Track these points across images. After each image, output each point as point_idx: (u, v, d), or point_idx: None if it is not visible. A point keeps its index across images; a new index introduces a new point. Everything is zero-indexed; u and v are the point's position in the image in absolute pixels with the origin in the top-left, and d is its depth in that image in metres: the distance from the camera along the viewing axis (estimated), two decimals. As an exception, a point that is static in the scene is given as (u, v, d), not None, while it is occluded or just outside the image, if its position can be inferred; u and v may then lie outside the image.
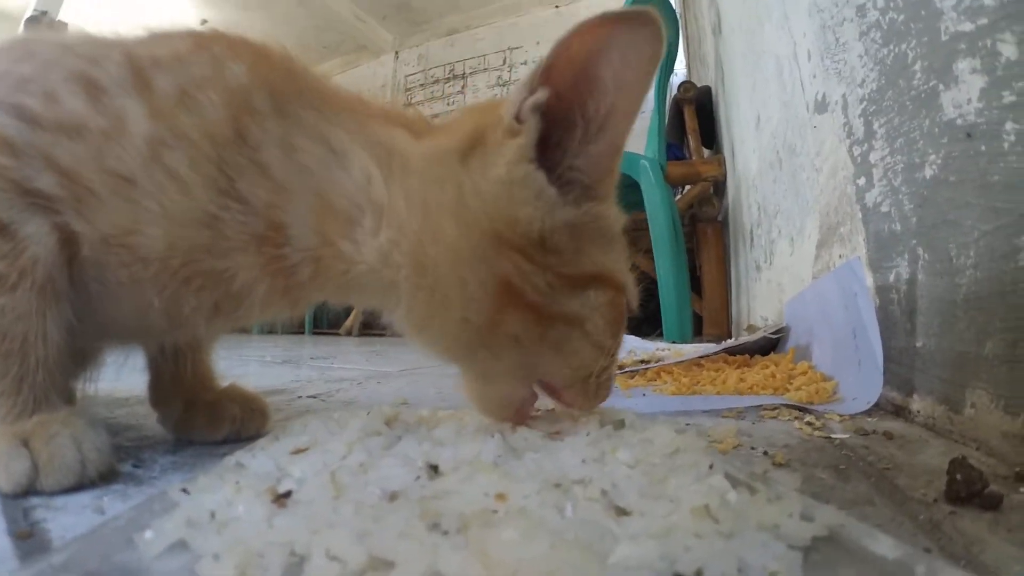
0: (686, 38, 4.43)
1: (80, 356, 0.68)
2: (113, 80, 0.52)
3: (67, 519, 0.45)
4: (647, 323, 4.29)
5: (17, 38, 0.59)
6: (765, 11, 1.71)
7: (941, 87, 0.70)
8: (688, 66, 4.56)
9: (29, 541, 0.41)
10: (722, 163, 3.02)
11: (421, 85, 6.79)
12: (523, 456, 0.48)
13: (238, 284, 0.55)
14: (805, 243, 1.39)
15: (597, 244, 0.54)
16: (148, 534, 0.37)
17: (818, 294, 1.15)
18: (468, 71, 6.55)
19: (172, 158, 0.51)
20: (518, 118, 0.50)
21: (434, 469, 0.45)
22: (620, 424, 0.58)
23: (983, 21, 0.62)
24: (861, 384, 0.85)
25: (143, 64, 0.53)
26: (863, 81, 0.95)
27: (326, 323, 6.08)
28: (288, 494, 0.41)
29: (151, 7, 5.55)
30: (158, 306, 0.56)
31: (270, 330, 5.80)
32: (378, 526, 0.35)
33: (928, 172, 0.75)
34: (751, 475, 0.45)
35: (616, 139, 0.53)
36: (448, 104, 6.55)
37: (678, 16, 3.31)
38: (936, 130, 0.72)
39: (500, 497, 0.39)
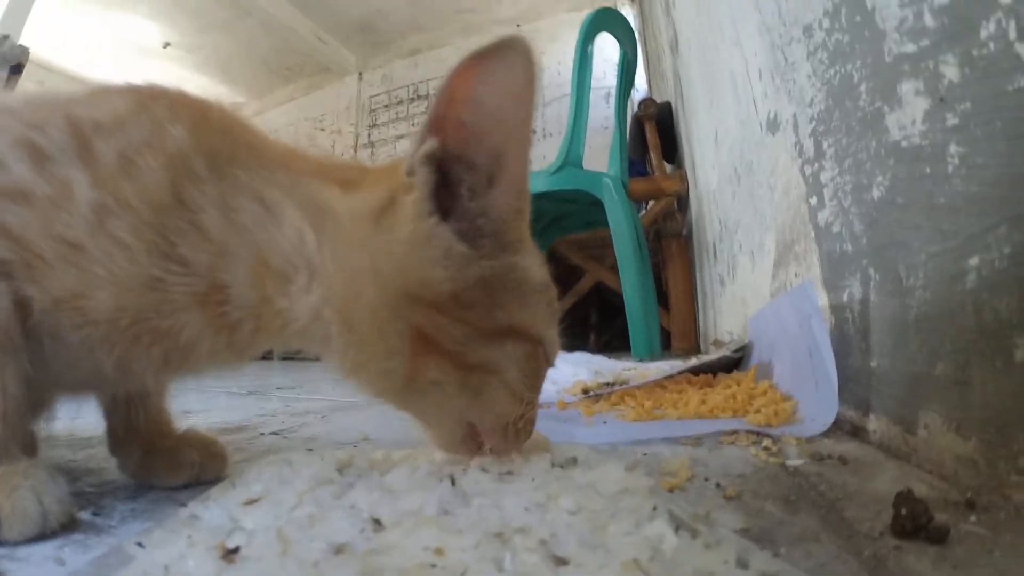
0: (646, 55, 4.47)
1: (37, 405, 0.68)
2: (56, 146, 0.52)
3: (30, 570, 0.46)
4: (616, 338, 4.30)
5: None
6: (719, 29, 1.72)
7: (886, 108, 0.70)
8: (649, 82, 4.60)
9: None
10: (684, 178, 3.04)
11: (385, 106, 6.78)
12: (471, 502, 0.47)
13: (184, 339, 0.56)
14: (765, 259, 1.39)
15: (513, 297, 0.55)
16: None
17: (776, 313, 1.15)
18: (432, 91, 6.46)
19: (115, 225, 0.52)
20: (411, 172, 0.51)
21: (378, 523, 0.44)
22: (572, 462, 0.57)
23: (925, 43, 0.62)
24: (818, 405, 0.85)
25: (85, 129, 0.53)
26: (812, 101, 0.95)
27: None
28: (236, 550, 0.41)
29: (114, 29, 5.53)
30: (109, 363, 0.57)
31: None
32: None
33: (876, 193, 0.75)
34: (694, 516, 0.44)
35: (514, 179, 0.52)
36: (412, 124, 6.55)
37: (636, 33, 3.33)
38: (882, 151, 0.72)
39: (438, 552, 0.39)
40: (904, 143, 0.67)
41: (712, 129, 2.08)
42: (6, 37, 3.89)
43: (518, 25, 6.07)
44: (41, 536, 0.52)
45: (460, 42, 6.33)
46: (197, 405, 1.44)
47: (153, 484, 0.71)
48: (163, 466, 0.71)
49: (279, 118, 7.00)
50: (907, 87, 0.66)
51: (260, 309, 0.55)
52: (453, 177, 0.52)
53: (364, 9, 5.90)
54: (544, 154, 5.60)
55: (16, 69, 3.21)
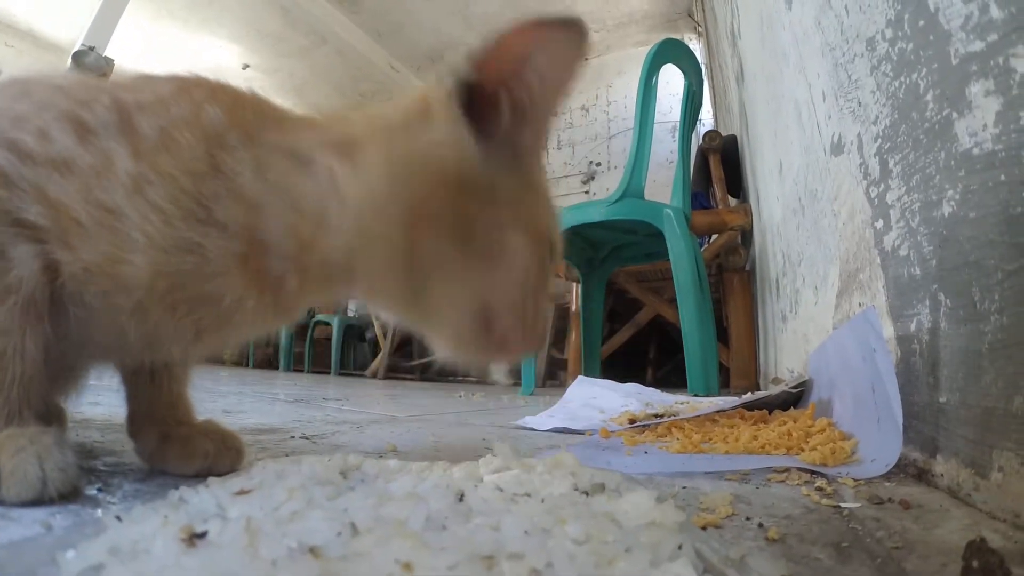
0: (711, 87, 4.43)
1: (61, 374, 0.70)
2: (100, 122, 0.56)
3: (15, 530, 0.47)
4: (674, 374, 4.21)
5: (14, 78, 0.63)
6: (783, 55, 1.67)
7: (955, 115, 0.64)
8: (714, 115, 4.56)
9: None
10: (748, 212, 2.96)
11: None
12: (471, 519, 0.45)
13: (227, 303, 0.58)
14: (828, 292, 1.32)
15: (528, 204, 0.60)
16: (70, 554, 0.39)
17: (837, 346, 1.08)
18: None
19: (153, 192, 0.55)
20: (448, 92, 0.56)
21: (354, 527, 0.42)
22: (598, 488, 0.53)
23: (993, 37, 0.57)
24: (880, 444, 0.78)
25: (128, 108, 0.57)
26: (876, 118, 0.89)
27: (353, 364, 6.08)
28: (203, 535, 0.41)
29: (196, 49, 5.77)
30: (136, 332, 0.59)
31: (297, 368, 5.87)
32: None
33: (946, 209, 0.68)
34: (725, 559, 0.39)
35: (539, 124, 0.59)
36: None
37: (703, 66, 3.28)
38: (952, 163, 0.66)
39: (407, 567, 0.36)
40: (976, 150, 0.61)
41: (776, 160, 2.02)
42: (92, 48, 4.08)
43: (586, 58, 6.08)
44: (39, 501, 0.53)
45: (527, 74, 6.38)
46: (238, 407, 1.44)
47: (166, 471, 0.72)
48: (177, 453, 0.72)
49: (349, 142, 7.21)
50: (976, 88, 0.60)
51: (301, 256, 0.58)
52: (492, 101, 0.57)
53: (435, 40, 6.06)
54: (608, 186, 5.63)
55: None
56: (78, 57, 3.94)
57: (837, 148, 1.13)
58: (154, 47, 5.67)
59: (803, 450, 0.88)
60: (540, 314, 0.61)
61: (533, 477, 0.55)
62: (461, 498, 0.50)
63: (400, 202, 0.55)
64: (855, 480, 0.74)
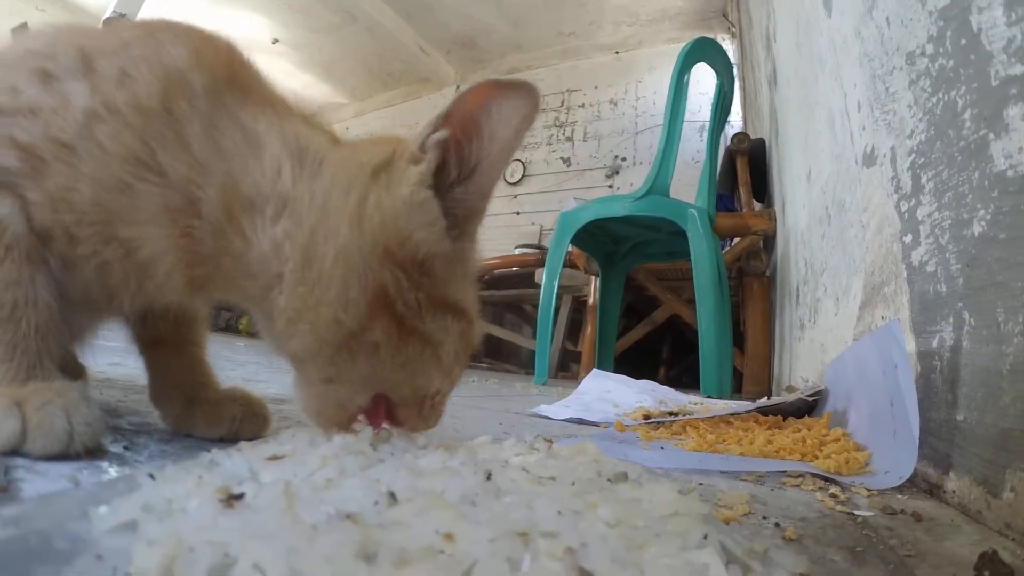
0: (742, 89, 4.40)
1: (74, 328, 0.72)
2: (63, 68, 0.58)
3: (43, 483, 0.47)
4: (686, 374, 4.21)
5: None
6: (819, 62, 1.66)
7: (991, 136, 0.65)
8: (744, 117, 4.53)
9: (2, 494, 0.43)
10: (772, 217, 2.95)
11: None
12: (502, 498, 0.44)
13: (145, 254, 0.59)
14: (850, 304, 1.33)
15: (460, 278, 0.62)
16: (102, 509, 0.38)
17: (857, 357, 1.08)
18: None
19: (99, 129, 0.56)
20: (422, 149, 0.58)
21: (392, 496, 0.42)
22: (622, 477, 0.53)
23: (1036, 63, 0.57)
24: (895, 457, 0.79)
25: (91, 53, 0.59)
26: (912, 132, 0.89)
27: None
28: (240, 496, 0.41)
29: (226, 20, 5.79)
30: (93, 278, 0.61)
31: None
32: (309, 545, 0.34)
33: (977, 229, 0.69)
34: (750, 552, 0.40)
35: (486, 184, 0.60)
36: None
37: (734, 66, 3.27)
38: (986, 183, 0.66)
39: (448, 538, 0.36)
40: (1010, 172, 0.62)
41: (805, 167, 2.01)
42: (123, 15, 4.10)
43: (616, 53, 6.10)
44: (64, 455, 0.53)
45: (558, 64, 6.43)
46: (257, 376, 1.45)
47: (192, 434, 0.73)
48: (203, 417, 0.73)
49: (375, 121, 7.21)
50: (1014, 111, 0.61)
51: (224, 229, 0.58)
52: (447, 165, 0.59)
53: (468, 25, 6.04)
54: (632, 181, 5.61)
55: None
56: (108, 24, 3.96)
57: (869, 159, 1.13)
58: (185, 17, 5.66)
59: (817, 457, 0.89)
60: (441, 403, 0.64)
61: (558, 462, 0.56)
62: (489, 477, 0.49)
63: (358, 254, 0.56)
64: (868, 490, 0.75)
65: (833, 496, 0.71)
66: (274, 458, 0.51)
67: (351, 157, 0.60)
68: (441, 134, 0.57)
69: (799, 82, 2.13)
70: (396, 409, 0.61)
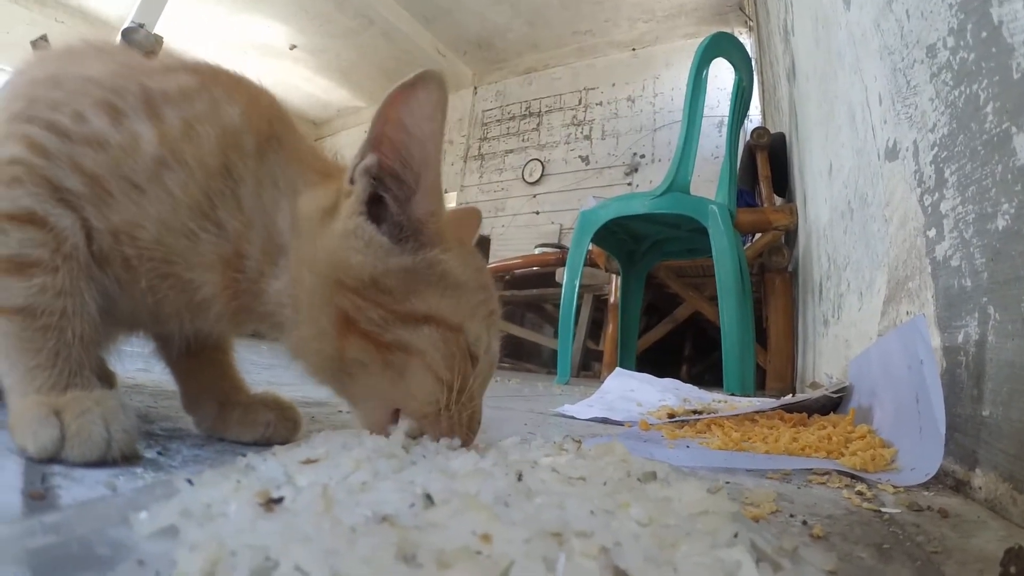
0: (761, 83, 4.37)
1: (105, 337, 0.74)
2: (131, 108, 0.62)
3: (80, 490, 0.47)
4: (708, 372, 4.19)
5: (46, 72, 0.68)
6: (838, 56, 1.65)
7: (1014, 129, 0.64)
8: (763, 112, 4.50)
9: (39, 502, 0.44)
10: (794, 212, 2.94)
11: (498, 120, 6.95)
12: (533, 499, 0.45)
13: (200, 297, 0.64)
14: (874, 299, 1.32)
15: (433, 287, 0.64)
16: (143, 515, 0.39)
17: (882, 353, 1.08)
18: (544, 109, 6.69)
19: (169, 178, 0.61)
20: (351, 180, 0.62)
21: (429, 499, 0.43)
22: (650, 476, 0.54)
23: (1059, 55, 0.56)
24: (920, 454, 0.78)
25: (155, 97, 0.63)
26: (934, 126, 0.88)
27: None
28: (280, 500, 0.41)
29: (244, 28, 5.84)
30: (148, 302, 0.64)
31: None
32: (349, 547, 0.34)
33: (1001, 223, 0.68)
34: (779, 549, 0.40)
35: (429, 187, 0.63)
36: (523, 140, 6.69)
37: (752, 61, 3.25)
38: (1009, 176, 0.66)
39: (485, 539, 0.36)
40: (1034, 166, 0.61)
41: (826, 161, 2.00)
42: (141, 25, 4.15)
43: (633, 49, 6.09)
44: (102, 462, 0.54)
45: (575, 62, 6.44)
46: (282, 379, 1.46)
47: (225, 438, 0.75)
48: (237, 421, 0.75)
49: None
50: (1040, 105, 0.60)
51: (258, 282, 0.64)
52: (384, 186, 0.62)
53: (483, 27, 6.06)
54: (651, 178, 5.60)
55: (149, 56, 3.45)
56: (127, 34, 3.98)
57: (892, 153, 1.12)
58: (204, 25, 5.74)
59: (843, 455, 0.89)
60: (470, 416, 0.65)
61: (587, 462, 0.57)
62: (520, 478, 0.50)
63: (319, 292, 0.61)
64: (895, 487, 0.74)
65: (860, 493, 0.71)
66: (308, 462, 0.52)
67: (313, 204, 0.64)
68: (367, 161, 0.61)
69: (818, 76, 2.11)
70: (421, 423, 0.63)
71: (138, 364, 0.88)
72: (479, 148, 7.05)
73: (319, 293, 0.60)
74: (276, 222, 0.64)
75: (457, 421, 0.63)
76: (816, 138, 2.25)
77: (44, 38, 4.23)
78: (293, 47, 6.30)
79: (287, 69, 6.53)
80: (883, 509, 0.64)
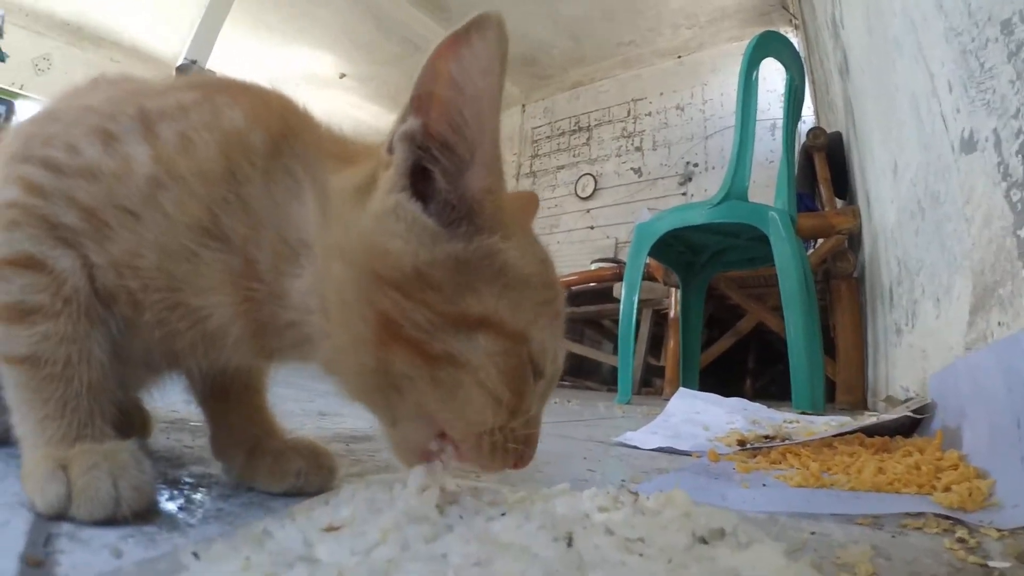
0: (812, 82, 4.24)
1: (134, 377, 0.70)
2: (124, 130, 0.58)
3: (83, 555, 0.44)
4: (773, 384, 4.04)
5: (45, 108, 0.67)
6: (895, 44, 1.55)
7: None
8: (816, 112, 4.37)
9: (36, 569, 0.41)
10: (857, 214, 2.81)
11: (548, 137, 6.99)
12: (587, 572, 0.40)
13: (214, 323, 0.58)
14: (954, 305, 1.21)
15: (490, 284, 0.53)
16: None
17: (973, 369, 0.97)
18: (593, 123, 6.71)
19: (164, 197, 0.56)
20: (390, 148, 0.52)
21: None
22: (718, 534, 0.47)
23: None
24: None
25: (151, 116, 0.58)
26: (1018, 111, 0.78)
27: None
28: None
29: (294, 59, 6.02)
30: (156, 341, 0.60)
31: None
32: None
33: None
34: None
35: (487, 159, 0.53)
36: (573, 155, 6.72)
37: (803, 59, 3.14)
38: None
39: None
40: None
41: (889, 159, 1.89)
42: (194, 62, 4.27)
43: (679, 56, 6.04)
44: (111, 521, 0.51)
45: (621, 74, 6.46)
46: (334, 409, 1.42)
47: (255, 487, 0.70)
48: (266, 469, 0.70)
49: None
50: None
51: (276, 286, 0.56)
52: (431, 157, 0.52)
53: (528, 44, 6.11)
54: (706, 187, 5.51)
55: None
56: (181, 70, 4.09)
57: (968, 145, 1.02)
58: (254, 58, 5.92)
59: (935, 488, 0.80)
60: (522, 441, 0.56)
61: (646, 519, 0.50)
62: (570, 542, 0.45)
63: (352, 288, 0.52)
64: (998, 530, 0.65)
65: (961, 541, 0.62)
66: (331, 529, 0.48)
67: (345, 183, 0.55)
68: (409, 125, 0.51)
69: (874, 69, 2.01)
70: (460, 448, 0.55)
71: (185, 395, 0.85)
72: (531, 166, 7.04)
73: (353, 290, 0.52)
74: (291, 216, 0.56)
75: (505, 446, 0.55)
76: (876, 135, 2.14)
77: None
78: (342, 76, 6.42)
79: (337, 98, 6.63)
80: (991, 564, 0.55)
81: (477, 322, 0.52)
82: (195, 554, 0.42)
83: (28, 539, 0.46)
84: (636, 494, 0.57)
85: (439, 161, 0.52)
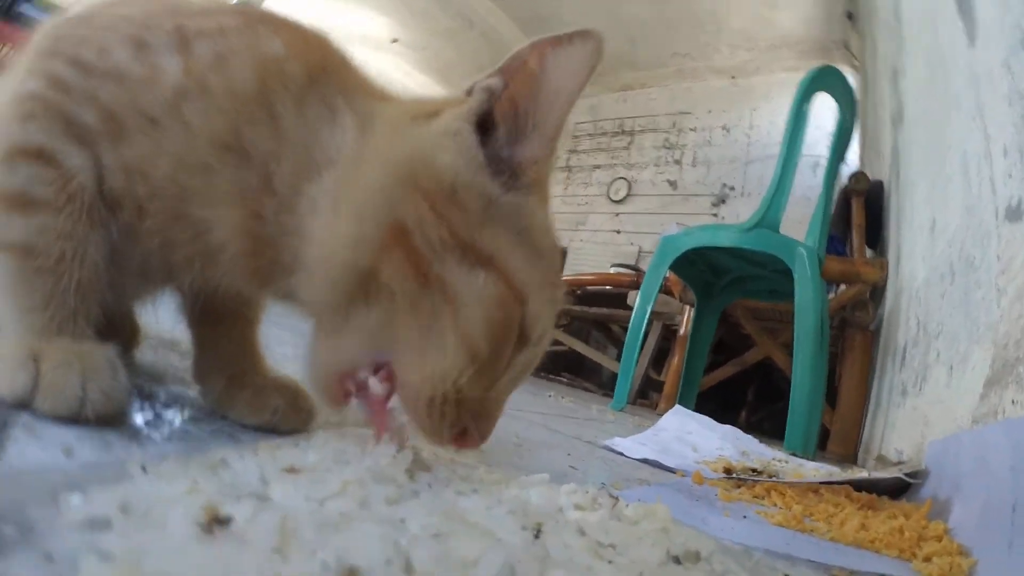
0: (862, 127, 4.18)
1: (126, 288, 0.71)
2: (158, 41, 0.58)
3: (33, 448, 0.44)
4: (768, 421, 4.01)
5: (81, 11, 0.65)
6: (954, 100, 1.51)
7: None
8: (861, 157, 4.31)
9: None
10: (885, 267, 2.77)
11: (589, 135, 6.94)
12: (549, 571, 0.38)
13: (213, 237, 0.59)
14: (968, 375, 1.18)
15: (508, 234, 0.56)
16: (75, 499, 0.34)
17: (978, 443, 0.95)
18: (636, 128, 6.65)
19: (189, 109, 0.57)
20: (469, 92, 0.58)
21: (409, 565, 0.35)
22: (693, 556, 0.47)
23: None
24: (1006, 571, 0.68)
25: (188, 34, 0.59)
26: (1075, 187, 0.75)
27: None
28: (227, 522, 0.35)
29: (347, 20, 6.03)
30: (156, 247, 0.61)
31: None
32: None
33: None
34: None
35: (547, 136, 0.58)
36: (612, 157, 6.64)
37: (857, 101, 3.09)
38: None
39: None
40: None
41: (929, 216, 1.85)
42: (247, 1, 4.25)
43: (733, 77, 5.97)
44: (74, 419, 0.50)
45: (672, 85, 6.39)
46: None
47: (229, 417, 0.70)
48: (244, 401, 0.70)
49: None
50: None
51: (287, 209, 0.57)
52: (499, 115, 0.57)
53: None
54: (738, 213, 5.46)
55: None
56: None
57: (1014, 213, 0.99)
58: (307, 16, 5.89)
59: (915, 556, 0.79)
60: (482, 414, 0.56)
61: (622, 526, 0.49)
62: (538, 534, 0.43)
63: (379, 186, 0.54)
64: (976, 613, 0.62)
65: (936, 614, 0.59)
66: (291, 470, 0.47)
67: (406, 110, 0.60)
68: (493, 81, 0.57)
69: (928, 122, 1.97)
70: (405, 401, 0.55)
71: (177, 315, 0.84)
72: (567, 160, 6.98)
73: (381, 193, 0.54)
74: (321, 137, 0.59)
75: (450, 413, 0.54)
76: (920, 189, 2.10)
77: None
78: (394, 40, 6.40)
79: (387, 62, 6.60)
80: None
81: (486, 259, 0.54)
82: (143, 467, 0.41)
83: (-13, 421, 0.45)
84: (616, 498, 0.57)
85: (504, 121, 0.57)
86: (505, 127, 0.57)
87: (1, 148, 0.58)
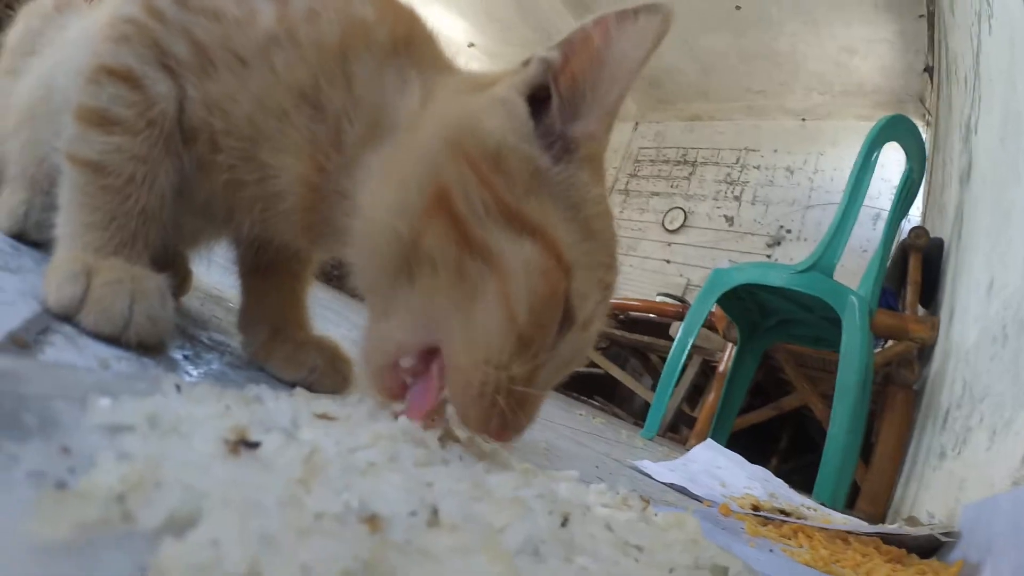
0: (928, 183, 4.10)
1: (185, 229, 0.74)
2: None
3: (70, 354, 0.44)
4: (798, 473, 3.93)
5: None
6: (1025, 160, 1.47)
7: None
8: (923, 213, 4.23)
9: (20, 349, 0.42)
10: (936, 327, 2.69)
11: (651, 161, 6.93)
12: (573, 557, 0.36)
13: (277, 184, 0.61)
14: (1011, 439, 1.15)
15: (557, 207, 0.55)
16: (103, 401, 0.34)
17: (1016, 505, 0.92)
18: (700, 160, 6.63)
19: (277, 55, 0.60)
20: (525, 63, 0.58)
21: (435, 514, 0.34)
22: (720, 571, 0.45)
23: None
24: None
25: None
26: None
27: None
28: (255, 446, 0.35)
29: (428, 15, 6.08)
30: (221, 184, 0.63)
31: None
32: (296, 540, 0.26)
33: None
34: None
35: (601, 111, 0.58)
36: (672, 186, 6.59)
37: (925, 155, 3.03)
38: None
39: None
40: None
41: (987, 276, 1.81)
42: None
43: (803, 119, 5.91)
44: (115, 340, 0.51)
45: (742, 120, 6.35)
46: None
47: (266, 369, 0.72)
48: (283, 355, 0.72)
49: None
50: None
51: (350, 169, 0.59)
52: (555, 88, 0.56)
53: (657, 64, 6.10)
54: (793, 256, 5.39)
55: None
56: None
57: (1075, 281, 0.96)
58: None
59: None
60: (522, 399, 0.53)
61: (651, 530, 0.47)
62: (564, 522, 0.41)
63: (426, 150, 0.55)
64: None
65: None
66: (324, 416, 0.46)
67: (465, 82, 0.62)
68: (551, 54, 0.56)
69: (997, 181, 1.92)
70: (449, 379, 0.54)
71: (229, 279, 0.85)
72: (626, 183, 6.97)
73: (427, 157, 0.54)
74: (392, 103, 0.60)
75: (497, 401, 0.51)
76: (980, 249, 2.05)
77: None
78: (471, 45, 6.45)
79: (461, 65, 6.56)
80: None
81: (532, 228, 0.53)
82: (177, 386, 0.41)
83: (24, 323, 0.46)
84: (647, 501, 0.55)
85: (560, 95, 0.56)
86: (561, 99, 0.56)
87: (91, 65, 0.60)
